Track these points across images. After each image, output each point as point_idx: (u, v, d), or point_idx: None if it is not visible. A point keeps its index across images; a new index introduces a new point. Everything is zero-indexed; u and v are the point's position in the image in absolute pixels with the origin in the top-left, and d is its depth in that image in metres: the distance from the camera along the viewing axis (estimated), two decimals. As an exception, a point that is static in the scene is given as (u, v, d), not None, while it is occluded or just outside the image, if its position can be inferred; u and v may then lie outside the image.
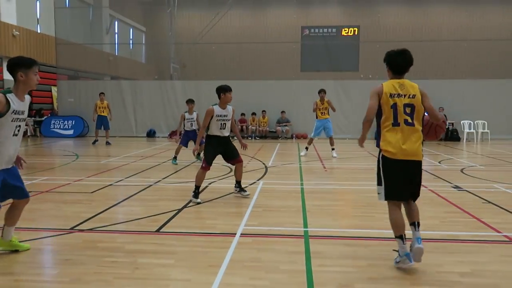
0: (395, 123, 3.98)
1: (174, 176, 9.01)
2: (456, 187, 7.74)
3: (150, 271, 3.92)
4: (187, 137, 11.04)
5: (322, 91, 12.71)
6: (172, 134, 11.65)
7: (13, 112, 3.96)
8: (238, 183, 7.03)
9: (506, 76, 20.20)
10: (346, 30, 25.08)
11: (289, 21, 25.87)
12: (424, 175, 8.02)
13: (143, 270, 3.95)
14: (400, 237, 3.96)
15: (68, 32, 22.12)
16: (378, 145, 4.12)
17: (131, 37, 30.04)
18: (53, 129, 19.91)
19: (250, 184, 8.03)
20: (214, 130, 6.77)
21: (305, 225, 5.36)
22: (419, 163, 4.05)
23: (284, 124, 19.42)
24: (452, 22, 24.86)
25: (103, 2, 24.65)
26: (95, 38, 24.28)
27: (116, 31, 27.80)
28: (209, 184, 8.02)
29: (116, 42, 27.49)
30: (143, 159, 11.92)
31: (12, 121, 3.98)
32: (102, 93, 16.67)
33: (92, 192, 7.30)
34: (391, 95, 4.01)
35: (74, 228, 5.18)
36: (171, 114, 20.12)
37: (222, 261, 4.12)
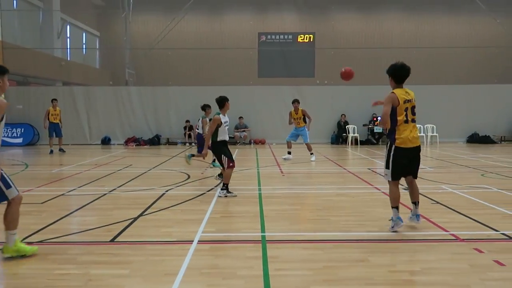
0: (406, 121, 5.14)
1: (130, 184, 8.80)
2: (407, 188, 8.03)
3: (104, 282, 3.82)
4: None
5: (295, 101, 12.73)
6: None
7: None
8: (226, 185, 7.53)
9: (453, 82, 21.28)
10: (302, 37, 25.58)
11: (246, 27, 26.08)
12: (377, 178, 8.22)
13: (96, 281, 3.83)
14: (396, 207, 5.23)
15: (16, 36, 21.20)
16: (392, 139, 5.17)
17: (84, 42, 29.14)
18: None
19: (208, 191, 7.99)
20: (223, 135, 7.61)
21: (263, 230, 5.39)
22: (419, 148, 5.31)
23: (242, 130, 19.47)
24: (403, 29, 25.95)
25: (54, 5, 23.76)
26: (45, 42, 23.35)
27: (68, 35, 26.89)
28: (166, 191, 7.91)
29: (68, 47, 26.57)
30: (98, 167, 11.58)
31: None
32: (55, 99, 16.06)
33: (42, 203, 7.00)
34: (404, 101, 5.11)
35: (23, 241, 4.93)
36: (127, 121, 19.68)
37: (178, 269, 4.07)
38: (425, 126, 19.00)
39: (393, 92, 5.13)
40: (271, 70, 24.50)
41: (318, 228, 5.58)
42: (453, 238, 5.05)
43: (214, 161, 10.97)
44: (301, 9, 25.99)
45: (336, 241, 4.97)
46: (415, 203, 5.39)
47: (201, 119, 11.37)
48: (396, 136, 5.13)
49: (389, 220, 5.32)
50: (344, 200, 7.15)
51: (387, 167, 5.27)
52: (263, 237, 5.11)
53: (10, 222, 4.41)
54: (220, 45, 24.82)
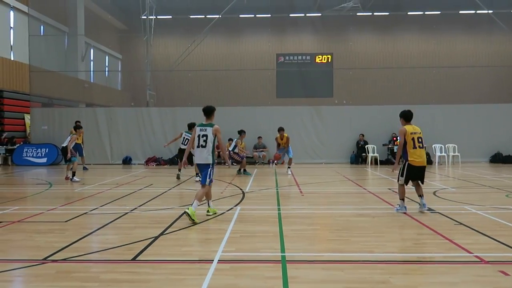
0: (415, 147, 7.56)
1: (150, 204, 8.91)
2: (429, 209, 7.92)
3: (126, 300, 3.86)
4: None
5: (281, 129, 14.96)
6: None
7: None
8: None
9: (474, 102, 21.01)
10: (320, 57, 25.74)
11: (264, 49, 26.45)
12: (397, 198, 8.13)
13: (118, 299, 3.87)
14: (403, 199, 7.70)
15: (42, 60, 21.94)
16: (406, 159, 7.58)
17: (106, 64, 29.97)
18: (26, 158, 19.44)
19: (228, 210, 8.02)
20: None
21: (282, 250, 5.38)
22: (425, 167, 7.72)
23: (261, 149, 19.53)
24: (421, 49, 25.91)
25: (79, 30, 24.64)
26: (70, 65, 24.12)
27: (92, 59, 27.72)
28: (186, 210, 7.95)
29: (92, 70, 27.36)
30: (119, 186, 11.75)
31: None
32: (78, 121, 16.49)
33: (66, 221, 7.14)
34: (411, 133, 7.62)
35: (47, 259, 5.05)
36: (147, 141, 19.99)
37: (199, 288, 4.09)
38: (446, 145, 18.75)
39: (403, 127, 7.69)
40: (289, 90, 24.65)
41: (338, 248, 5.54)
42: (477, 260, 4.94)
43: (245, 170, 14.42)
44: (318, 30, 26.25)
45: (357, 261, 4.92)
46: (421, 195, 7.71)
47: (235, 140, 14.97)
48: (409, 157, 7.55)
49: (397, 204, 7.79)
50: (364, 221, 7.08)
51: (401, 175, 7.65)
52: (283, 257, 5.09)
53: None
54: (239, 66, 25.20)
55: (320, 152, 19.80)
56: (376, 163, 18.65)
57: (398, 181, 7.73)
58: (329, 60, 25.82)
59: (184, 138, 13.15)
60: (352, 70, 24.47)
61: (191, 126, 12.53)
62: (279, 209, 8.17)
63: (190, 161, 11.66)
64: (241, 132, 15.21)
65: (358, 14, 25.21)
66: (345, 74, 24.52)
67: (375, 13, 26.11)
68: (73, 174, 12.81)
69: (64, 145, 13.28)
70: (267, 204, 8.81)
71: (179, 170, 13.37)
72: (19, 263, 4.97)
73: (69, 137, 13.45)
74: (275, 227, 6.66)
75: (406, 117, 7.83)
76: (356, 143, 19.46)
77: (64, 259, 5.04)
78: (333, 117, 19.63)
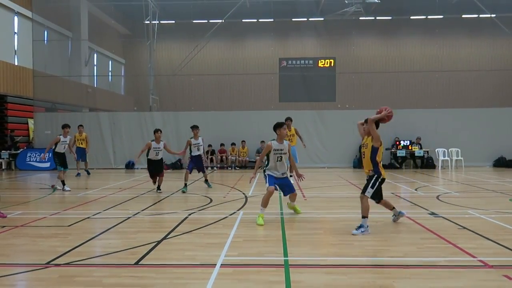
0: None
1: (154, 208, 8.91)
2: (432, 213, 7.90)
3: (129, 305, 3.85)
4: (192, 163, 11.81)
5: (288, 119, 12.76)
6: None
7: None
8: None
9: (477, 106, 20.97)
10: (322, 62, 25.79)
11: (267, 53, 26.51)
12: (401, 203, 8.11)
13: (121, 304, 3.87)
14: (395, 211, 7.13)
15: (46, 64, 22.05)
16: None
17: (110, 69, 30.08)
18: (29, 162, 19.49)
19: (230, 215, 8.01)
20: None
21: (285, 254, 5.37)
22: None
23: (264, 154, 19.51)
24: (424, 53, 25.89)
25: (82, 35, 24.75)
26: (73, 70, 24.22)
27: (95, 63, 27.84)
28: (189, 215, 7.97)
29: (95, 74, 27.46)
30: (122, 191, 11.77)
31: None
32: (81, 125, 16.55)
33: (68, 226, 7.15)
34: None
35: (50, 263, 5.06)
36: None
37: (202, 292, 4.08)
38: (449, 150, 18.69)
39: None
40: (292, 94, 24.70)
41: (341, 252, 5.52)
42: (482, 264, 4.91)
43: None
44: (321, 34, 26.28)
45: (360, 266, 4.90)
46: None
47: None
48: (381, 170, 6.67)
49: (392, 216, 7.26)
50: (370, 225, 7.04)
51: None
52: (286, 261, 5.08)
53: None
54: (242, 70, 25.28)
55: (323, 156, 19.77)
56: (379, 167, 18.58)
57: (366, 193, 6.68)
58: (332, 64, 25.90)
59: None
60: (355, 74, 24.50)
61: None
62: (281, 214, 8.16)
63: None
64: (195, 128, 12.19)
65: (360, 18, 25.25)
66: (347, 78, 24.54)
67: (377, 17, 26.15)
68: (63, 183, 11.85)
69: (60, 151, 12.11)
70: (270, 208, 8.77)
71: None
72: (23, 267, 4.98)
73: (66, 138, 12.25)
74: (277, 231, 6.65)
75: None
76: (359, 147, 19.41)
77: (67, 263, 5.04)
78: (336, 121, 19.61)
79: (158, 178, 11.46)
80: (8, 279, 4.56)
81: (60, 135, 12.21)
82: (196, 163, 11.88)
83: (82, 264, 5.05)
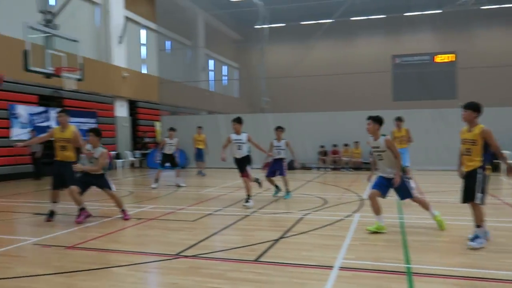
0: None
1: (270, 207, 9.17)
2: None
3: (252, 299, 4.02)
4: (272, 166, 10.98)
5: (397, 119, 11.90)
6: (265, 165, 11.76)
7: None
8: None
9: None
10: (440, 57, 24.09)
11: (379, 50, 25.57)
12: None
13: (245, 298, 4.06)
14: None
15: (169, 72, 24.07)
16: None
17: (225, 74, 31.70)
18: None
19: (346, 217, 7.89)
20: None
21: (407, 261, 5.12)
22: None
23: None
24: None
25: (199, 43, 26.51)
26: (192, 76, 26.08)
27: (211, 69, 29.58)
28: (305, 215, 8.04)
29: (212, 79, 29.20)
30: (239, 189, 12.29)
31: None
32: (200, 127, 17.69)
33: (193, 220, 7.71)
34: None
35: (180, 254, 5.51)
36: (263, 146, 20.54)
37: (322, 293, 4.09)
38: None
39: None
40: (406, 93, 23.48)
41: (472, 263, 5.06)
42: None
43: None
44: (438, 28, 24.51)
45: (495, 280, 4.46)
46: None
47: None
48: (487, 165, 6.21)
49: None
50: (501, 235, 6.38)
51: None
52: (408, 268, 4.85)
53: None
54: (353, 69, 24.70)
55: (446, 158, 18.30)
56: None
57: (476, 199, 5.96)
58: (452, 59, 24.02)
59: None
60: (480, 69, 22.37)
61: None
62: (400, 218, 7.80)
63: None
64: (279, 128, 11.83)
65: (482, 8, 22.96)
66: (470, 74, 22.51)
67: (502, 5, 23.47)
68: (156, 181, 12.79)
69: (167, 152, 13.04)
70: (387, 212, 8.41)
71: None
72: (156, 256, 5.50)
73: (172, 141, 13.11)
74: (397, 236, 6.38)
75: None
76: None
77: (194, 256, 5.44)
78: (459, 120, 18.07)
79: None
80: (147, 265, 5.08)
81: (166, 137, 13.13)
82: (274, 166, 10.95)
83: (207, 257, 5.40)
